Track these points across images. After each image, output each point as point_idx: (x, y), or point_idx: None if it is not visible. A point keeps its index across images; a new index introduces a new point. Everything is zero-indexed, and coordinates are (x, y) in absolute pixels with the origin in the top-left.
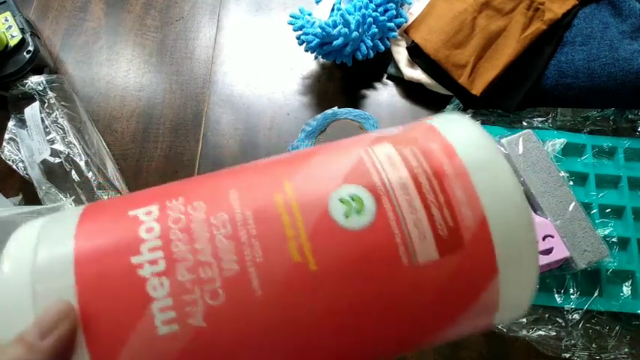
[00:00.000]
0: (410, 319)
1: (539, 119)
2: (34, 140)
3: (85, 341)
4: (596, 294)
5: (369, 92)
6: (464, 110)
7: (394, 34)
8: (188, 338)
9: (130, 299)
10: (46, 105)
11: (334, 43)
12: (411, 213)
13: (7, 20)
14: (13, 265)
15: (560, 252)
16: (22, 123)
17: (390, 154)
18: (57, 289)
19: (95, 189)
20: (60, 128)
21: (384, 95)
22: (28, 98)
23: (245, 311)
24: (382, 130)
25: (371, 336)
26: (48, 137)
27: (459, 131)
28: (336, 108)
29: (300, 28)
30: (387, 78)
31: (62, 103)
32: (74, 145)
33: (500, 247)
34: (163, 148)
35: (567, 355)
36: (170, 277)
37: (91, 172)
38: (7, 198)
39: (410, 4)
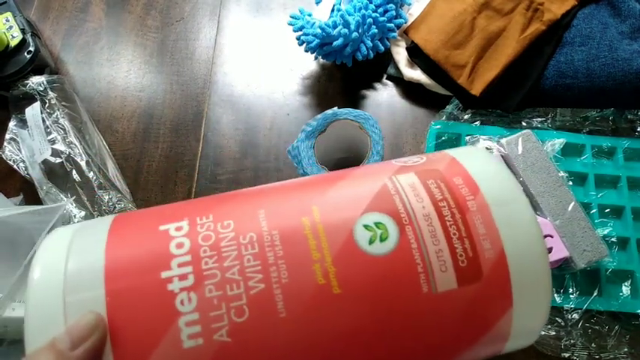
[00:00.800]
0: (425, 344)
1: (539, 119)
2: (35, 140)
3: (111, 352)
4: (595, 294)
5: (369, 92)
6: (463, 110)
7: (394, 34)
8: (212, 352)
9: (158, 312)
10: (46, 105)
11: (334, 43)
12: (434, 243)
13: (7, 21)
14: (45, 273)
15: (560, 252)
16: (23, 123)
17: (414, 184)
18: (87, 299)
19: (96, 189)
20: (61, 128)
21: (384, 95)
22: (29, 98)
23: (269, 329)
24: (405, 158)
25: (387, 358)
26: (49, 137)
27: (480, 166)
28: (336, 108)
29: (300, 28)
30: (387, 78)
31: (63, 103)
32: (75, 145)
33: (517, 280)
34: (164, 149)
35: (567, 355)
36: (198, 293)
37: (91, 172)
38: (7, 198)
39: (409, 4)
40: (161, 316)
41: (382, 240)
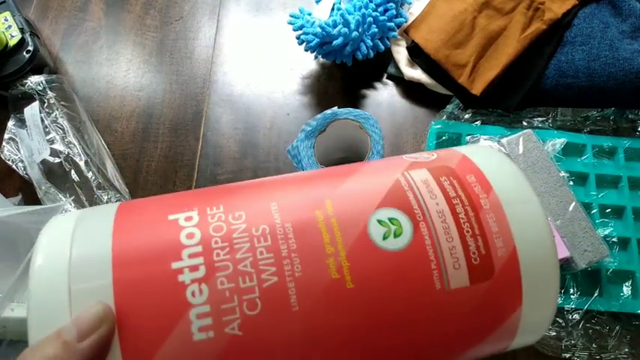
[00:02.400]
0: (436, 339)
1: (539, 119)
2: (34, 140)
3: (119, 344)
4: (596, 294)
5: (369, 92)
6: (464, 110)
7: (394, 33)
8: (223, 346)
9: (168, 304)
10: (45, 105)
11: (334, 42)
12: (447, 240)
13: (6, 20)
14: (48, 261)
15: (561, 252)
16: (21, 123)
17: (427, 181)
18: (94, 288)
19: (95, 189)
20: (60, 128)
21: (384, 95)
22: (28, 98)
23: (281, 323)
24: (415, 154)
25: (398, 353)
26: (47, 137)
27: (493, 164)
28: (336, 108)
29: (300, 27)
30: (387, 78)
31: (62, 102)
32: (74, 144)
33: (527, 279)
34: (163, 148)
35: (567, 355)
36: (209, 284)
37: (90, 172)
38: (6, 198)
39: (410, 3)
40: (171, 308)
41: (396, 236)
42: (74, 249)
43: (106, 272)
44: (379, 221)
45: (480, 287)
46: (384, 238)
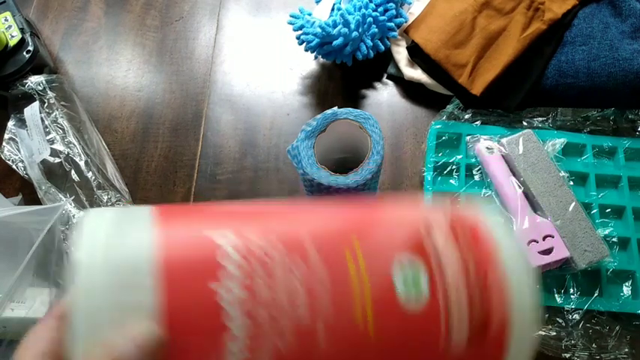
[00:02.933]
0: None
1: (540, 119)
2: (34, 140)
3: None
4: (596, 294)
5: (369, 92)
6: (464, 110)
7: (394, 33)
8: None
9: (208, 326)
10: (45, 105)
11: (334, 43)
12: (457, 303)
13: (6, 20)
14: (89, 272)
15: (561, 252)
16: (21, 123)
17: (447, 240)
18: (141, 306)
19: (95, 189)
20: (60, 128)
21: (384, 95)
22: (28, 98)
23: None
24: (436, 205)
25: None
26: (48, 137)
27: (502, 234)
28: (336, 108)
29: (300, 27)
30: (387, 78)
31: (62, 103)
32: (74, 145)
33: (513, 347)
34: (163, 148)
35: (567, 355)
36: (244, 309)
37: (90, 172)
38: (6, 198)
39: (410, 3)
40: (210, 331)
41: (417, 292)
42: (110, 254)
43: (154, 290)
44: (403, 276)
45: (472, 351)
46: (406, 292)
